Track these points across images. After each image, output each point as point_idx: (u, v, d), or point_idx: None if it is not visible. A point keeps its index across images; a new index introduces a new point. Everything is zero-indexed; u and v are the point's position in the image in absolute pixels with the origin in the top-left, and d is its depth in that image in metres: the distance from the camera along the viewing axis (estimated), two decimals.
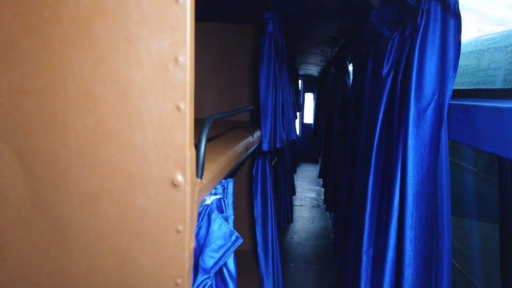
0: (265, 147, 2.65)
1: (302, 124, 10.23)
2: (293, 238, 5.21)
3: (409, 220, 1.16)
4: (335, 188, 3.77)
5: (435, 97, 1.13)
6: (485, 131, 0.97)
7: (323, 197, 6.57)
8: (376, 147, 1.47)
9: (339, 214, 3.34)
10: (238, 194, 3.07)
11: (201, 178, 0.88)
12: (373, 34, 1.80)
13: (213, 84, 3.37)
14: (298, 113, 8.98)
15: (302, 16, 2.90)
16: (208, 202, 1.03)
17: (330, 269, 4.16)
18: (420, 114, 1.14)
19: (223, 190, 1.15)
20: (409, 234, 1.17)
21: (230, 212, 1.14)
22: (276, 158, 3.62)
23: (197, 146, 0.87)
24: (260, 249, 2.76)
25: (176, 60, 0.77)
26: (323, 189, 6.32)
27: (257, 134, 2.45)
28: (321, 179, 6.77)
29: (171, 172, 0.79)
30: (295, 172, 8.18)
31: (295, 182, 7.47)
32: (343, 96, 3.45)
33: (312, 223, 5.92)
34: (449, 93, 1.14)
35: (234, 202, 1.17)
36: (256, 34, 3.21)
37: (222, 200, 1.11)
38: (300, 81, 9.51)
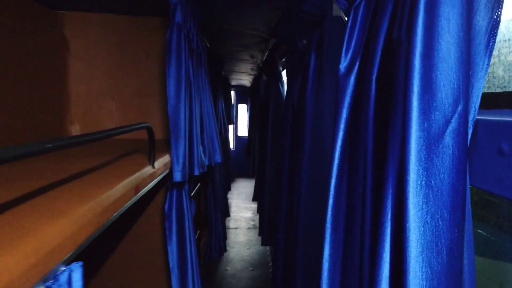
0: (177, 176, 2.00)
1: (236, 137, 9.89)
2: (227, 269, 4.56)
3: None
4: (270, 217, 3.16)
5: (459, 108, 0.54)
6: None
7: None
8: (333, 195, 0.85)
9: (278, 248, 2.73)
10: (148, 234, 2.29)
11: None
12: (314, 15, 1.22)
13: (113, 93, 2.68)
14: (231, 126, 8.57)
15: (222, 4, 2.27)
16: None
17: None
18: (431, 144, 0.54)
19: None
20: None
21: None
22: (199, 184, 2.95)
23: None
24: None
25: None
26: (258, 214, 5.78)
27: (163, 160, 1.82)
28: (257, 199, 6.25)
29: None
30: (229, 189, 7.65)
31: (229, 201, 6.84)
32: (277, 107, 2.87)
33: (248, 248, 5.35)
34: (476, 99, 0.56)
35: None
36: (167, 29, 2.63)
37: None
38: (232, 92, 9.18)
